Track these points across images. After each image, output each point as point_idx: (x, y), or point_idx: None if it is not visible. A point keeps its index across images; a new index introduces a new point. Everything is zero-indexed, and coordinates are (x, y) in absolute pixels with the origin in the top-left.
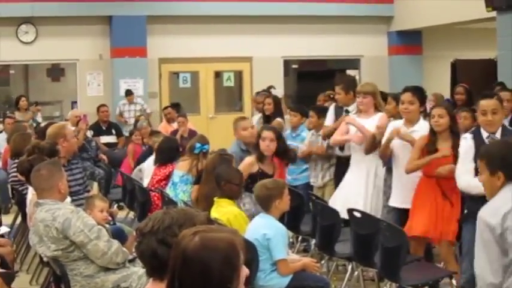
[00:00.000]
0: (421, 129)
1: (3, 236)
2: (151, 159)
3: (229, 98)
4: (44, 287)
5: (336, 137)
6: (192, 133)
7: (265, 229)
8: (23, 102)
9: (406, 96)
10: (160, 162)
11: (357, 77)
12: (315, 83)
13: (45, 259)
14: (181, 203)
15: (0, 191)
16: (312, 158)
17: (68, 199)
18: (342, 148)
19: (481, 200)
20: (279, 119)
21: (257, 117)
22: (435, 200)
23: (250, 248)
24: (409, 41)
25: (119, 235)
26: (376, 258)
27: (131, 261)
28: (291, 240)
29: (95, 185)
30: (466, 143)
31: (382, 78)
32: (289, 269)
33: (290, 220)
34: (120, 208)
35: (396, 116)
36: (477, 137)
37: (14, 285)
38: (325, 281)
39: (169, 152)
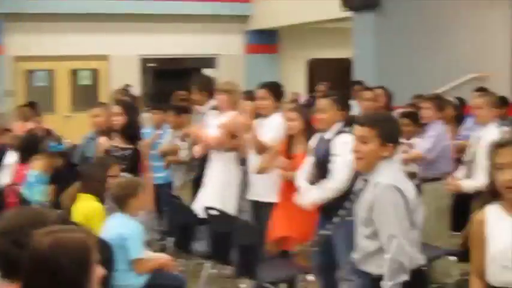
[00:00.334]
0: (272, 123)
1: None
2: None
3: (86, 96)
4: None
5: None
6: (47, 132)
7: (121, 228)
8: None
9: (261, 93)
10: (23, 160)
11: (215, 76)
12: (172, 82)
13: None
14: (37, 203)
15: None
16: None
17: None
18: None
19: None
20: None
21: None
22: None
23: (106, 247)
24: (266, 40)
25: None
26: (233, 255)
27: None
28: (148, 239)
29: None
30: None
31: (239, 76)
32: (146, 268)
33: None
34: None
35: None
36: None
37: None
38: (182, 279)
39: (31, 150)
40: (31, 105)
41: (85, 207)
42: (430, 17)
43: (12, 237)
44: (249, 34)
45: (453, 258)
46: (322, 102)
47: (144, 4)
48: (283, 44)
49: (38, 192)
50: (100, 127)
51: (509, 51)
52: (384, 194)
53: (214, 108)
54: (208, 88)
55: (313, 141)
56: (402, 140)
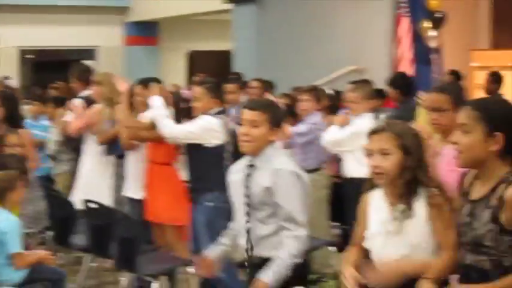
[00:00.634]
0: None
1: None
2: None
3: None
4: None
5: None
6: None
7: None
8: None
9: (137, 88)
10: None
11: (93, 68)
12: (51, 74)
13: None
14: None
15: None
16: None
17: None
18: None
19: None
20: None
21: None
22: (167, 185)
23: None
24: (145, 32)
25: None
26: (112, 248)
27: None
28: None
29: None
30: None
31: (118, 68)
32: (25, 262)
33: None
34: None
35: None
36: None
37: None
38: (62, 273)
39: None
40: None
41: None
42: (310, 10)
43: None
44: (128, 26)
45: (333, 248)
46: (197, 91)
47: None
48: (163, 36)
49: None
50: None
51: (388, 44)
52: (289, 180)
53: (87, 97)
54: (85, 77)
55: None
56: None
